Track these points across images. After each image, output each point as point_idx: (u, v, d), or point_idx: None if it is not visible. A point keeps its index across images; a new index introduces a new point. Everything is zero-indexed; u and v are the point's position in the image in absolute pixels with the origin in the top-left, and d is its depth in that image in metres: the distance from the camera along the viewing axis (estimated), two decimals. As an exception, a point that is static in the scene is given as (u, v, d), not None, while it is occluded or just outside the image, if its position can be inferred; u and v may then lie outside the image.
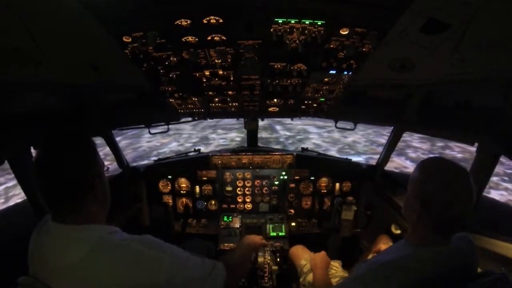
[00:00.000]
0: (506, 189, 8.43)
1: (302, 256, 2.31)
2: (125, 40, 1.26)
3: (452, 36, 1.16)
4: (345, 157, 3.38)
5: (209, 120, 2.72)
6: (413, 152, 12.16)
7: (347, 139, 14.35)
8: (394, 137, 2.66)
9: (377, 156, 3.03)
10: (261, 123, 3.03)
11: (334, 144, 13.69)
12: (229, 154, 3.04)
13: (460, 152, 11.01)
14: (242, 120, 2.95)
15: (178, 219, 3.01)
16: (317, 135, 15.75)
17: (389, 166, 3.00)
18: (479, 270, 1.30)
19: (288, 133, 16.08)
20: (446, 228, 1.16)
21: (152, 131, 2.64)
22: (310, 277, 2.05)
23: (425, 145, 13.08)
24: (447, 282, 1.12)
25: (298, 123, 17.62)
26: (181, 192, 3.06)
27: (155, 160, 3.24)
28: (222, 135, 15.91)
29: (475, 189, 1.12)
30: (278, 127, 17.16)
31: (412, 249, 1.20)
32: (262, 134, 14.19)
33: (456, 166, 1.17)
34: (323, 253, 2.06)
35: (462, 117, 1.75)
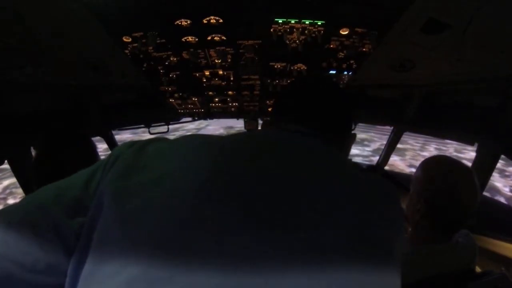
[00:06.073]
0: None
1: None
2: (125, 40, 1.26)
3: (452, 36, 1.16)
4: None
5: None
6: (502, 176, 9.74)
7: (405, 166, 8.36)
8: (394, 137, 2.65)
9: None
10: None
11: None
12: None
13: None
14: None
15: None
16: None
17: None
18: (479, 270, 1.30)
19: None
20: (449, 227, 1.15)
21: (152, 131, 2.63)
22: None
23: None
24: (447, 280, 1.11)
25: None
26: None
27: None
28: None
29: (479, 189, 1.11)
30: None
31: (412, 246, 1.19)
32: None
33: (461, 165, 1.18)
34: None
35: (462, 117, 1.75)
